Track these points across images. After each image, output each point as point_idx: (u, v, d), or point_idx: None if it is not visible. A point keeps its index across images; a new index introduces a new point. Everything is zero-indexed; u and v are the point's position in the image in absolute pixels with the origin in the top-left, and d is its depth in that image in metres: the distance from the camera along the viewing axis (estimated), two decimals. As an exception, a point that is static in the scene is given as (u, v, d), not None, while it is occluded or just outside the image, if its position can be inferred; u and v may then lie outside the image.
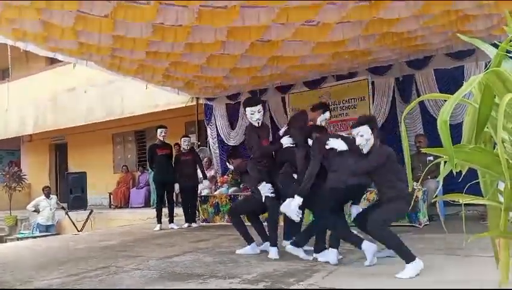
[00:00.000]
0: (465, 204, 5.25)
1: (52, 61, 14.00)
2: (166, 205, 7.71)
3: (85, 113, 13.03)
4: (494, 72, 1.25)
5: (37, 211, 10.95)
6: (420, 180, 5.22)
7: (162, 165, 7.47)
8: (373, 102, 7.76)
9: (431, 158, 6.15)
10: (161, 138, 7.54)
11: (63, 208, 11.36)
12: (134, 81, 8.26)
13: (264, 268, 3.83)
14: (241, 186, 8.21)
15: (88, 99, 12.92)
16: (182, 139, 7.76)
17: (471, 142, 1.28)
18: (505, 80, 1.23)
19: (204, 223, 7.73)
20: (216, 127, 9.55)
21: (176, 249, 5.29)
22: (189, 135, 8.33)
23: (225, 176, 8.40)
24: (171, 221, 7.53)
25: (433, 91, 6.99)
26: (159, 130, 7.59)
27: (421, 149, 6.01)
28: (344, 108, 7.98)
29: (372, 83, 7.78)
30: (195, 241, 5.89)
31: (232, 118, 9.39)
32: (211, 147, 9.67)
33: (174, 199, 8.01)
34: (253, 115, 4.53)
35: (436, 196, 4.53)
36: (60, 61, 10.29)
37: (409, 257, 3.19)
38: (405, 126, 1.34)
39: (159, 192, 7.68)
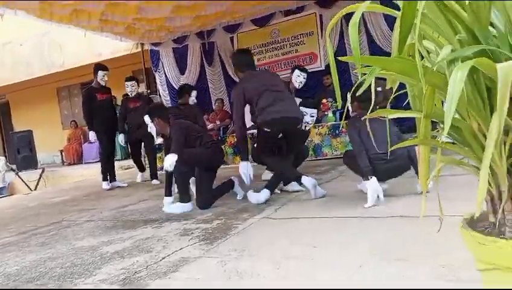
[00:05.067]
0: (411, 130, 5.35)
1: (-20, 14, 12.85)
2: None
3: (24, 68, 12.24)
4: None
5: (-15, 174, 10.48)
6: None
7: (106, 113, 6.21)
8: (321, 36, 7.69)
9: (379, 89, 6.26)
10: (103, 83, 6.20)
11: (12, 169, 10.93)
12: (72, 30, 7.70)
13: (218, 208, 3.86)
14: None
15: (25, 53, 12.10)
16: (126, 83, 6.46)
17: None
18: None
19: (161, 171, 7.65)
20: (165, 73, 9.23)
21: (131, 198, 5.23)
22: (135, 77, 6.93)
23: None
24: (112, 178, 6.45)
25: (379, 20, 6.98)
26: (100, 73, 6.14)
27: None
28: (293, 44, 7.88)
29: (320, 16, 7.68)
30: (151, 189, 5.84)
31: (181, 63, 9.08)
32: (161, 95, 9.39)
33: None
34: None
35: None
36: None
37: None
38: (330, 43, 1.28)
39: (105, 146, 6.34)
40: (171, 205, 4.01)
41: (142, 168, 6.82)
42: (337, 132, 6.22)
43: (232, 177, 4.18)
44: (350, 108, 3.60)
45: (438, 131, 1.46)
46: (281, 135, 3.99)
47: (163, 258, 2.55)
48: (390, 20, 6.78)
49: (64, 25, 7.11)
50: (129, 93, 6.62)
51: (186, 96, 5.68)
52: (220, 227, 3.14)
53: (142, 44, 9.05)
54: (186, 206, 3.91)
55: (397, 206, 3.02)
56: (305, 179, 3.70)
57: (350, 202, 3.36)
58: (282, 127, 3.84)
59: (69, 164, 12.04)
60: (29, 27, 10.33)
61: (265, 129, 3.80)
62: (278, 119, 3.70)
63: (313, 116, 4.48)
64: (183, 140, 3.98)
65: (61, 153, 12.44)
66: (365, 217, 2.86)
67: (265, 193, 3.78)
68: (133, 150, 6.89)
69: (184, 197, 3.94)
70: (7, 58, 12.56)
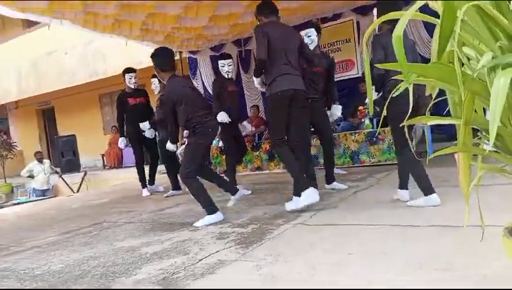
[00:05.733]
0: (453, 138, 5.29)
1: (29, 25, 13.59)
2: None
3: (68, 76, 12.81)
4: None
5: (31, 176, 11.02)
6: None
7: (137, 117, 6.05)
8: (358, 44, 7.64)
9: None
10: (132, 86, 6.13)
11: (56, 172, 11.44)
12: (114, 39, 8.01)
13: (253, 213, 3.90)
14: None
15: (70, 61, 12.68)
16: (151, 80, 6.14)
17: (436, 62, 1.25)
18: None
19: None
20: (202, 80, 9.42)
21: (168, 202, 5.36)
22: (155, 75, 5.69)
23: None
24: (151, 182, 6.43)
25: (418, 27, 6.87)
26: (127, 76, 6.11)
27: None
28: (330, 51, 7.85)
29: (358, 24, 7.63)
30: (188, 193, 5.93)
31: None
32: (198, 101, 9.55)
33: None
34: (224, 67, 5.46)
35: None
36: (37, 23, 9.99)
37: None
38: (367, 51, 1.30)
39: (137, 150, 6.29)
40: (201, 220, 3.69)
41: (175, 184, 6.00)
42: (374, 139, 6.13)
43: (239, 186, 4.50)
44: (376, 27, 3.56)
45: (479, 138, 1.44)
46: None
47: (200, 260, 2.61)
48: (429, 27, 6.67)
49: (107, 35, 7.42)
50: (153, 90, 6.22)
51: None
52: (255, 232, 3.17)
53: (181, 52, 9.29)
54: (215, 217, 3.66)
55: (436, 215, 2.96)
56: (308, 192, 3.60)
57: (387, 210, 3.32)
58: (290, 94, 3.74)
59: (110, 168, 12.44)
60: (74, 37, 10.83)
61: (278, 91, 3.71)
62: (286, 89, 3.71)
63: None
64: (170, 111, 3.86)
65: (103, 157, 12.88)
66: (403, 225, 2.82)
67: (295, 201, 3.73)
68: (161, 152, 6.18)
69: (209, 208, 3.70)
70: (52, 66, 13.18)
